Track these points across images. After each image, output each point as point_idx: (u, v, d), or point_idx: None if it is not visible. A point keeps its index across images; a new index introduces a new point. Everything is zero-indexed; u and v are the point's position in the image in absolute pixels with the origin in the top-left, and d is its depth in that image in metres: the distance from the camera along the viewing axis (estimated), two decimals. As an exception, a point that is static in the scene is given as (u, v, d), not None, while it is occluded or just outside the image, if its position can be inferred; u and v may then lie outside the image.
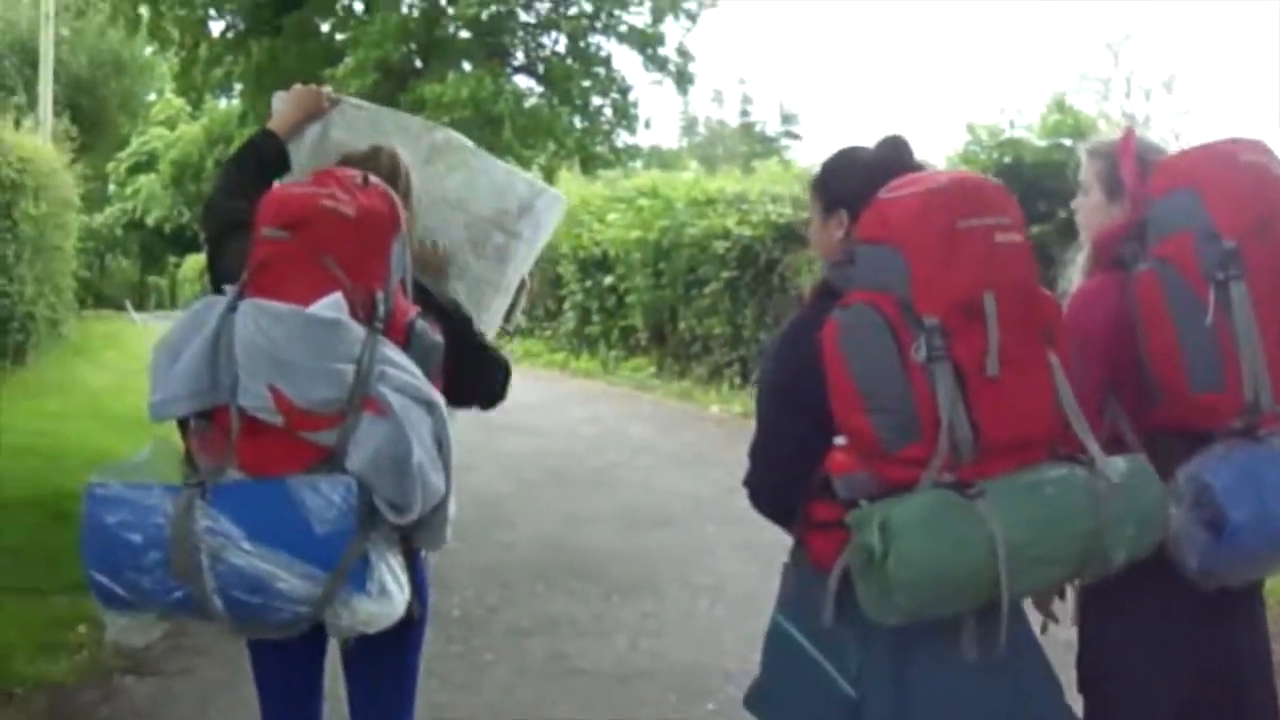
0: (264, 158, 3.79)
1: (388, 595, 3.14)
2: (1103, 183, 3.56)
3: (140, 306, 44.88)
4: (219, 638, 5.45)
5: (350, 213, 3.19)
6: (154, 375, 3.23)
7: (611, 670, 6.35)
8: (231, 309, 3.15)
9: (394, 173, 3.62)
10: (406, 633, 3.46)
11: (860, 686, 3.05)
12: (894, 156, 3.22)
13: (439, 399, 3.25)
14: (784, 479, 3.15)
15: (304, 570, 3.04)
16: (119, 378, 18.22)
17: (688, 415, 15.40)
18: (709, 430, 13.92)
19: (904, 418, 2.90)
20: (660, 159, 27.29)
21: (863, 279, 3.01)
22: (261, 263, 3.17)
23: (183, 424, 3.30)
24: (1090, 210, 3.64)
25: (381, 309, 3.19)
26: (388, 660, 3.62)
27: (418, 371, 3.21)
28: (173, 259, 55.23)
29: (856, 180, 3.17)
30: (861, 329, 2.94)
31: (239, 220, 3.38)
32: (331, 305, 3.13)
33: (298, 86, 3.91)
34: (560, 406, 15.97)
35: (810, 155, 28.51)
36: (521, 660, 6.55)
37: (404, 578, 3.21)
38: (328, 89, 3.97)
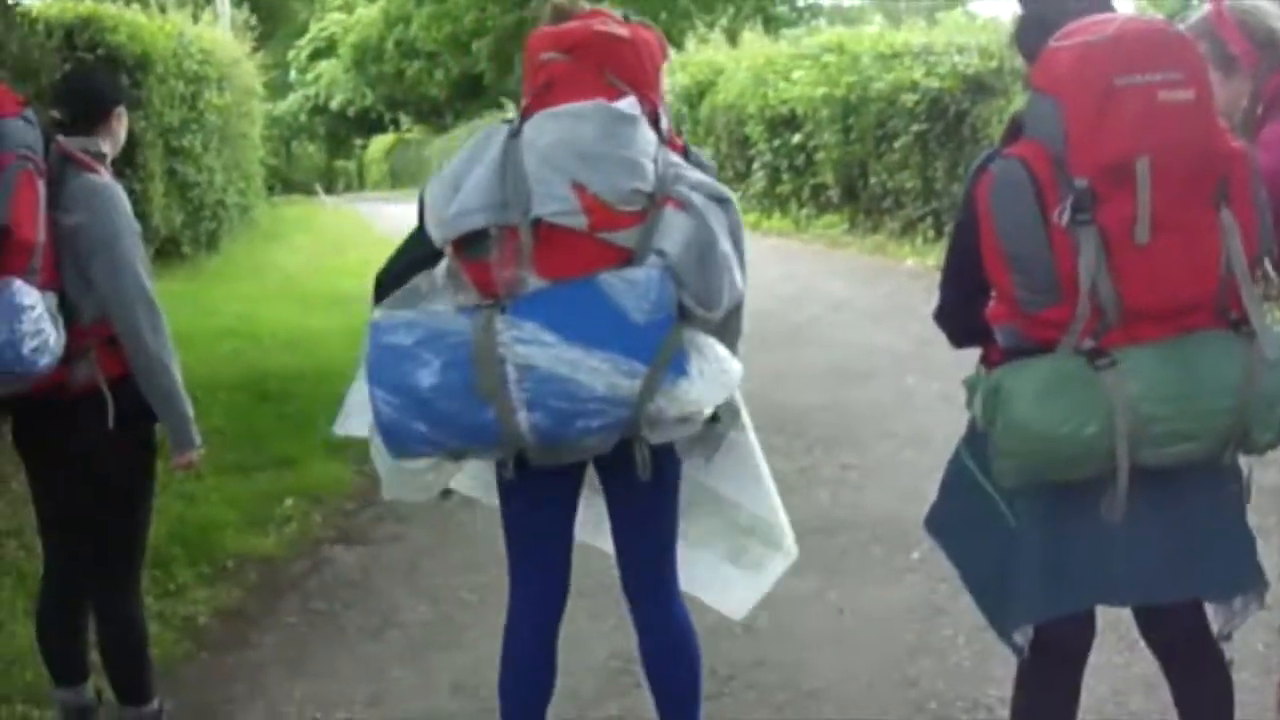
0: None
1: (711, 377, 3.11)
2: (1214, 62, 3.33)
3: (329, 191, 45.63)
4: (423, 505, 5.60)
5: (625, 34, 3.26)
6: (434, 205, 3.21)
7: (815, 522, 6.35)
8: (514, 134, 3.17)
9: None
10: (671, 473, 3.45)
11: (1019, 518, 3.08)
12: None
13: (732, 195, 3.28)
14: (961, 305, 3.17)
15: (624, 366, 3.00)
16: (311, 259, 18.65)
17: (882, 270, 15.25)
18: (904, 284, 13.75)
19: (1043, 280, 2.86)
20: (843, 15, 26.87)
21: (1029, 128, 2.95)
22: (545, 84, 3.21)
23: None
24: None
25: (663, 122, 3.26)
26: (651, 500, 3.52)
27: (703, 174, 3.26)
28: (358, 142, 55.97)
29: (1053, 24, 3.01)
30: (1007, 186, 2.89)
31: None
32: (630, 104, 3.19)
33: None
34: (755, 266, 15.75)
35: (994, 6, 27.82)
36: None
37: (727, 363, 3.18)
38: None
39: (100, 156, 3.98)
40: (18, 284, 3.57)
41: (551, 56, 3.22)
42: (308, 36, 51.03)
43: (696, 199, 3.14)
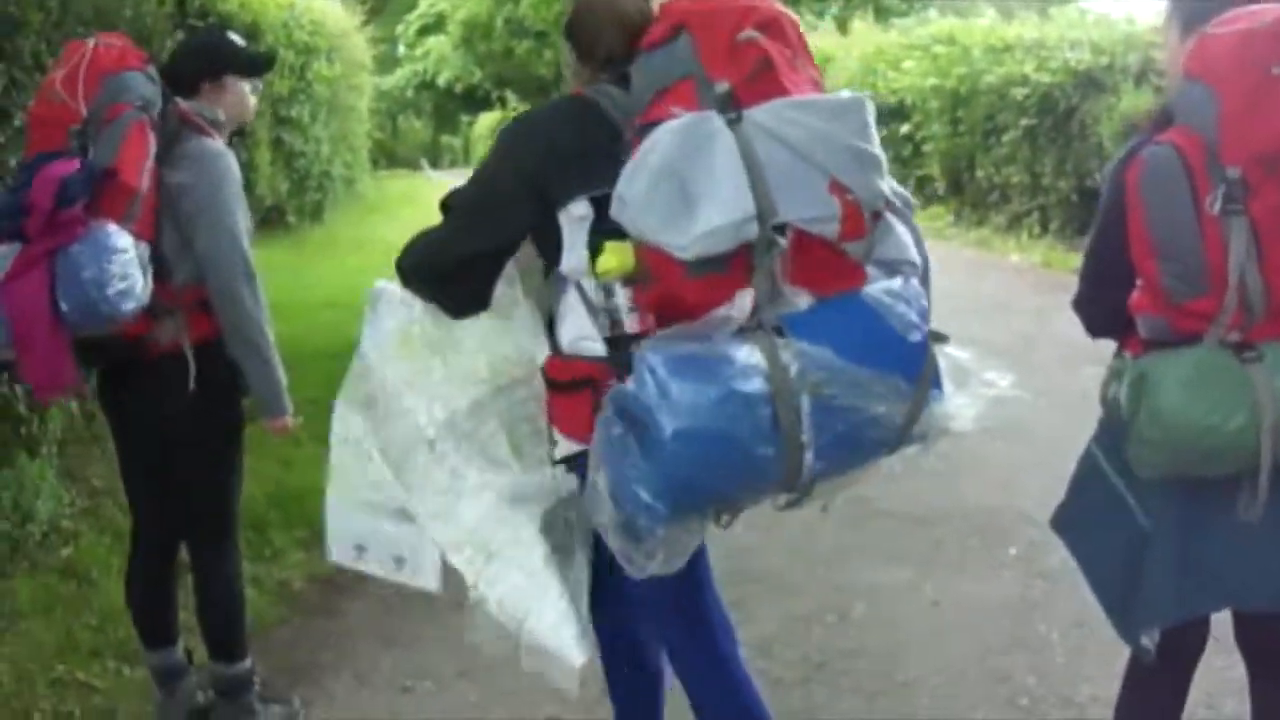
0: None
1: (966, 392, 2.98)
2: None
3: (435, 166, 45.81)
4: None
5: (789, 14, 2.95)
6: (667, 208, 2.68)
7: (913, 513, 6.33)
8: (734, 121, 2.74)
9: None
10: None
11: (1152, 518, 3.03)
12: None
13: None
14: (1101, 293, 3.14)
15: (893, 385, 2.74)
16: (414, 232, 18.77)
17: (986, 264, 15.08)
18: (1008, 279, 13.60)
19: (1192, 270, 2.81)
20: (954, 7, 26.61)
21: (1180, 115, 2.90)
22: (755, 68, 2.79)
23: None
24: None
25: None
26: None
27: None
28: (465, 118, 56.14)
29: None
30: (1159, 173, 2.85)
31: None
32: (855, 95, 2.90)
33: None
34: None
35: (1106, 3, 27.44)
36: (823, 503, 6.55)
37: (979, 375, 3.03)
38: None
39: (216, 123, 4.01)
40: (112, 227, 3.61)
41: (754, 35, 2.80)
42: (417, 12, 51.11)
43: (899, 202, 2.91)
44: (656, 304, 2.77)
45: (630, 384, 2.66)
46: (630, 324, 2.88)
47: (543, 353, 3.16)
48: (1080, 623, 4.83)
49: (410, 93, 54.51)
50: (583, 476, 2.93)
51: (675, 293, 2.72)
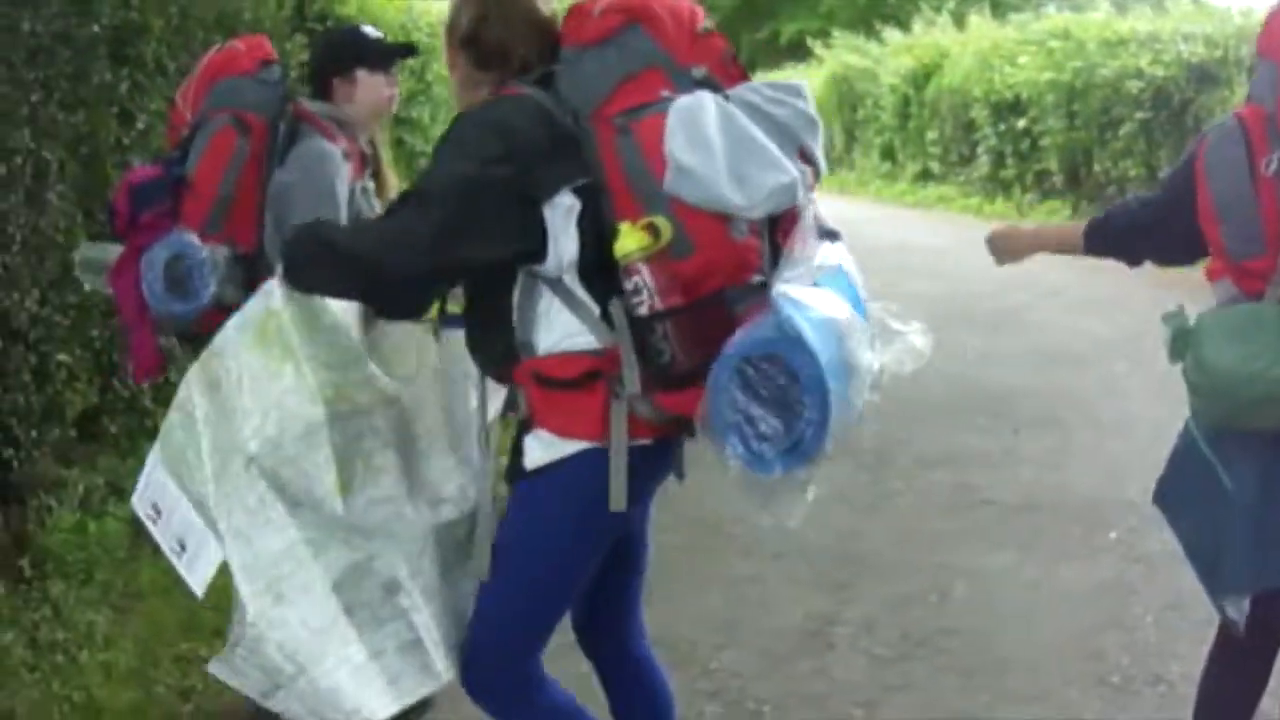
0: None
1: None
2: None
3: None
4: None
5: None
6: (734, 170, 2.76)
7: (1016, 501, 6.46)
8: (725, 100, 2.85)
9: None
10: None
11: (1235, 478, 3.12)
12: None
13: None
14: (1142, 242, 3.47)
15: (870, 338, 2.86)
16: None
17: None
18: (1121, 274, 13.38)
19: (1249, 228, 2.99)
20: (1071, 2, 26.40)
21: (1252, 93, 3.11)
22: (723, 56, 2.99)
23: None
24: None
25: None
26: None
27: None
28: None
29: None
30: (1221, 140, 3.08)
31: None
32: None
33: None
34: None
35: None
36: (928, 490, 6.75)
37: None
38: None
39: (341, 121, 4.04)
40: (174, 234, 3.74)
41: (711, 28, 3.00)
42: None
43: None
44: (693, 275, 2.78)
45: (776, 335, 2.66)
46: (657, 303, 2.75)
47: (398, 383, 3.11)
48: (1175, 605, 4.94)
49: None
50: (577, 478, 2.91)
51: (717, 259, 2.80)
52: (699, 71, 2.90)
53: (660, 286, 2.74)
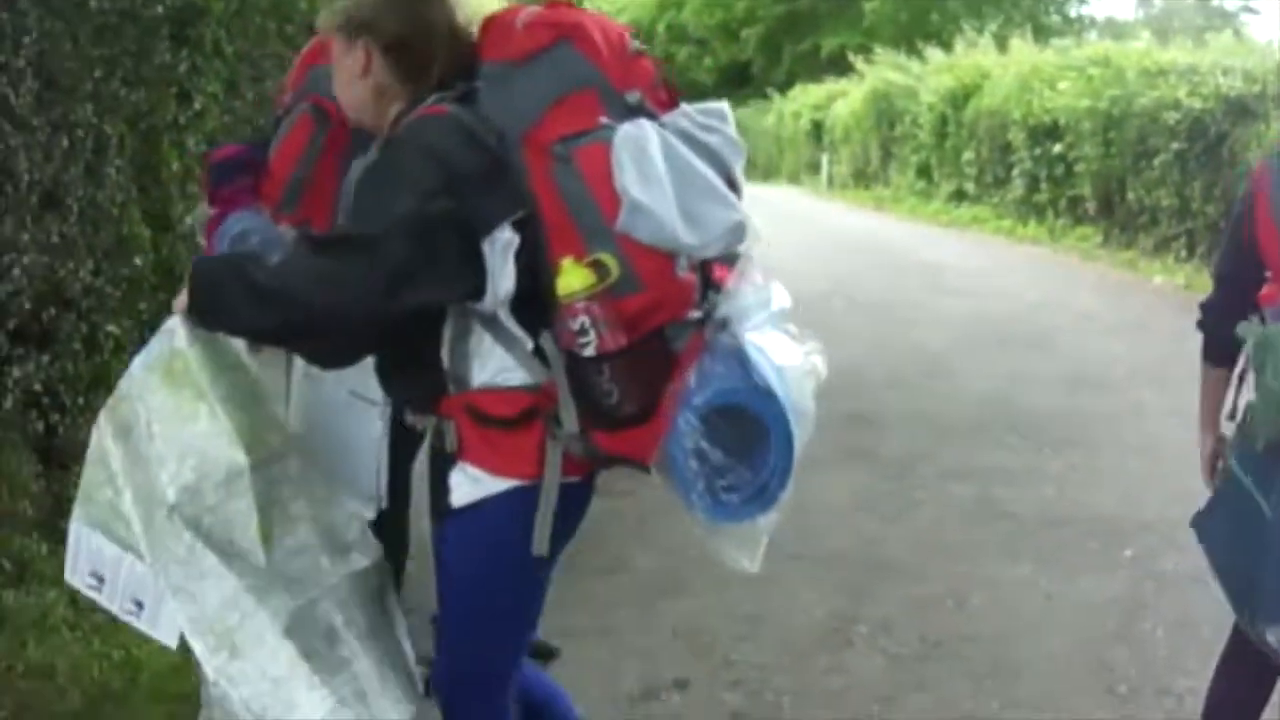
0: None
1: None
2: None
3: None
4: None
5: None
6: (689, 208, 2.64)
7: (1037, 516, 6.58)
8: (662, 128, 2.72)
9: None
10: None
11: (1273, 505, 3.17)
12: None
13: None
14: (1225, 303, 3.37)
15: None
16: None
17: (1132, 285, 15.11)
18: (1152, 301, 13.62)
19: None
20: (1113, 30, 26.44)
21: None
22: (654, 80, 2.83)
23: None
24: None
25: None
26: None
27: None
28: None
29: None
30: (1275, 162, 3.12)
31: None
32: None
33: None
34: (1004, 271, 15.95)
35: (1269, 30, 27.01)
36: (950, 501, 6.86)
37: None
38: None
39: None
40: (247, 210, 3.86)
41: (641, 48, 2.82)
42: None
43: None
44: (638, 312, 2.65)
45: (731, 377, 2.68)
46: (606, 343, 2.63)
47: (289, 421, 3.01)
48: (1185, 622, 5.05)
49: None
50: (508, 516, 2.80)
51: (664, 296, 2.68)
52: (633, 96, 2.73)
53: (607, 326, 2.62)
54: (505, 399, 2.75)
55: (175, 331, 2.73)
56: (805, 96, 37.22)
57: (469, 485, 2.79)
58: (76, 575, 2.87)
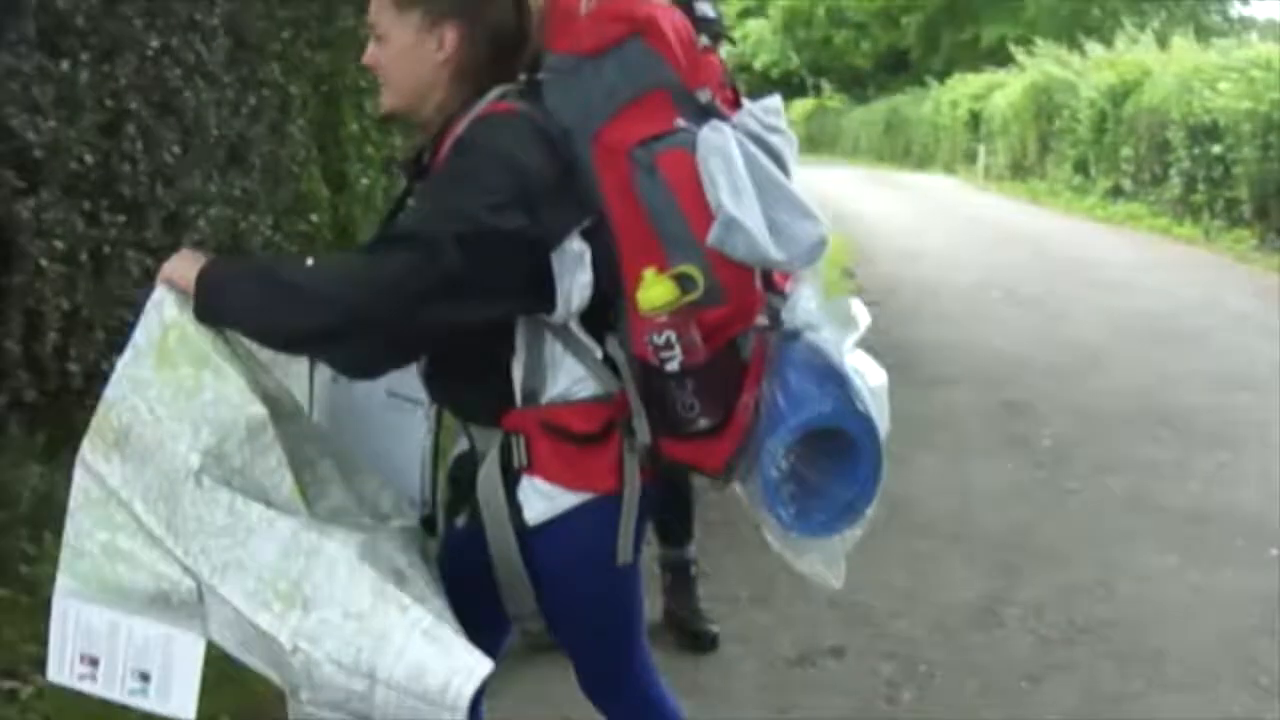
0: None
1: None
2: None
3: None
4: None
5: None
6: (779, 220, 2.52)
7: (1184, 510, 6.69)
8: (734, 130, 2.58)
9: None
10: None
11: None
12: None
13: None
14: None
15: None
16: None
17: (1285, 289, 15.01)
18: (1308, 303, 13.54)
19: None
20: (1275, 31, 25.95)
21: None
22: (721, 78, 2.70)
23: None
24: None
25: None
26: None
27: None
28: None
29: None
30: None
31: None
32: None
33: None
34: (1159, 268, 15.85)
35: None
36: (1101, 492, 7.01)
37: None
38: None
39: None
40: None
41: (706, 43, 2.68)
42: None
43: None
44: (717, 323, 2.55)
45: (823, 398, 2.56)
46: (691, 356, 2.52)
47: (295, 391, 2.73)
48: (1329, 618, 5.19)
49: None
50: (588, 530, 2.68)
51: (743, 308, 2.58)
52: (704, 95, 2.60)
53: (691, 339, 2.50)
54: (584, 413, 2.62)
55: (163, 303, 2.47)
56: (964, 86, 36.96)
57: (543, 502, 2.63)
58: (64, 669, 2.56)
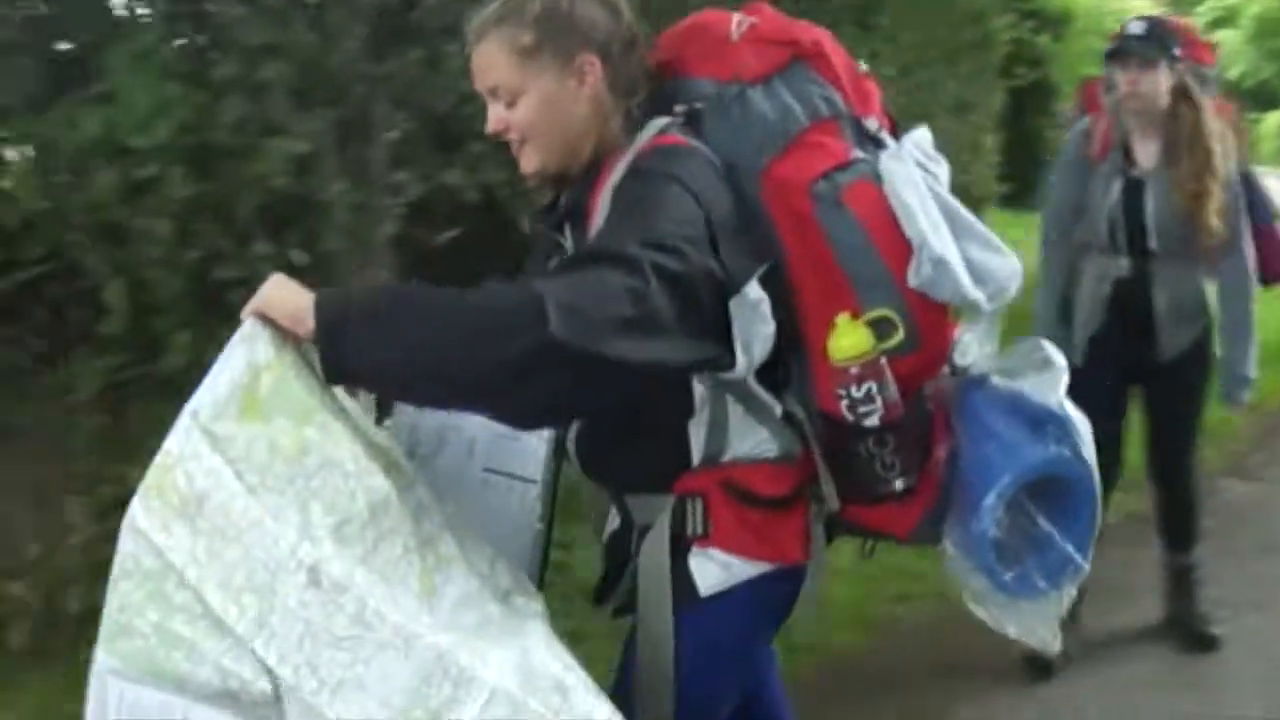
0: None
1: None
2: None
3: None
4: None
5: None
6: (974, 257, 2.26)
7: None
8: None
9: None
10: None
11: None
12: None
13: None
14: None
15: None
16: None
17: None
18: None
19: None
20: None
21: None
22: (883, 104, 2.46)
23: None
24: None
25: None
26: None
27: None
28: (1251, 116, 53.56)
29: None
30: None
31: None
32: None
33: None
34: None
35: None
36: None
37: None
38: None
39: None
40: None
41: (865, 67, 2.47)
42: (1208, 4, 48.66)
43: None
44: (910, 373, 2.27)
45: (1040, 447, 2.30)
46: (891, 410, 2.24)
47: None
48: None
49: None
50: (760, 604, 2.39)
51: (936, 354, 2.33)
52: (871, 123, 2.36)
53: (891, 391, 2.23)
54: (772, 474, 2.33)
55: (254, 340, 1.95)
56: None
57: (719, 572, 2.32)
58: None
